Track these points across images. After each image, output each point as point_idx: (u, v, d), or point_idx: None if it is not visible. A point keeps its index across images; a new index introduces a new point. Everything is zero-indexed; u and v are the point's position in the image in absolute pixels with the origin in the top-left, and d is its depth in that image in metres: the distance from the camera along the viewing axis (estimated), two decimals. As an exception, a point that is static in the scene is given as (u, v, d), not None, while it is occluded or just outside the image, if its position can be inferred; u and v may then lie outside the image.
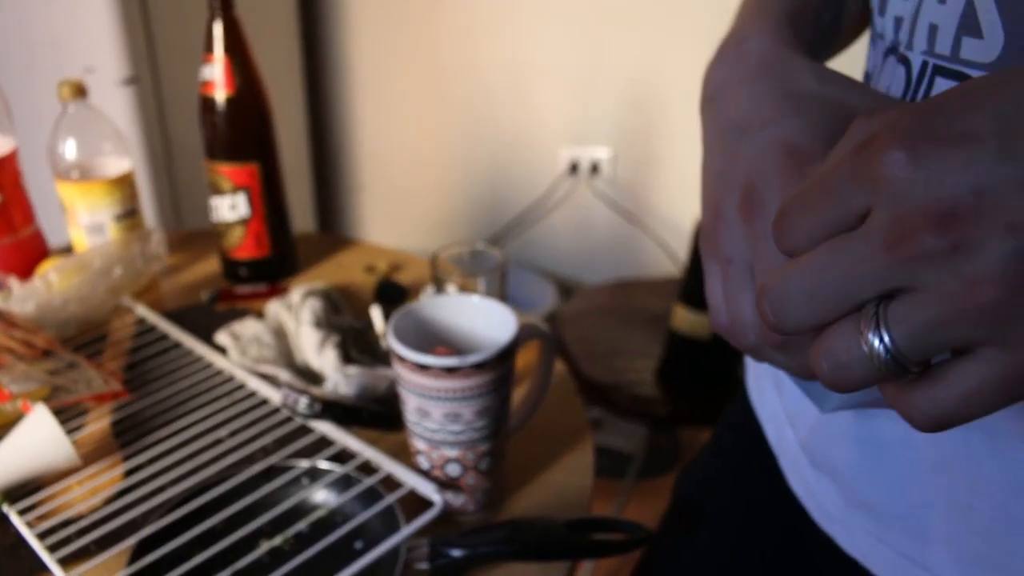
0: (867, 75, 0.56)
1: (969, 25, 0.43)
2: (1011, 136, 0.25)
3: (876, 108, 0.30)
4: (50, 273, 0.90)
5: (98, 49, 1.63)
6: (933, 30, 0.45)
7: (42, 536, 0.63)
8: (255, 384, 0.80)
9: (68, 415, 0.77)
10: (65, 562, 0.60)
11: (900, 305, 0.27)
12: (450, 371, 0.60)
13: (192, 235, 1.19)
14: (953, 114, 0.27)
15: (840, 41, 0.59)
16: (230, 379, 0.82)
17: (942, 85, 0.45)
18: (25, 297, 0.88)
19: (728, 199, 0.41)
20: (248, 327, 0.89)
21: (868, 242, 0.27)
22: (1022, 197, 0.25)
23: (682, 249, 2.06)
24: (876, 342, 0.28)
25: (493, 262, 0.81)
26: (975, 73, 0.43)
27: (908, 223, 0.26)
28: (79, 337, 0.90)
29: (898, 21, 0.50)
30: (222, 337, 0.88)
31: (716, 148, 0.45)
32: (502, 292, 0.80)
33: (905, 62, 0.48)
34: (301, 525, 0.65)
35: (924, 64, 0.46)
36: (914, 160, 0.26)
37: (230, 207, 1.00)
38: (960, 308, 0.26)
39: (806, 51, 0.49)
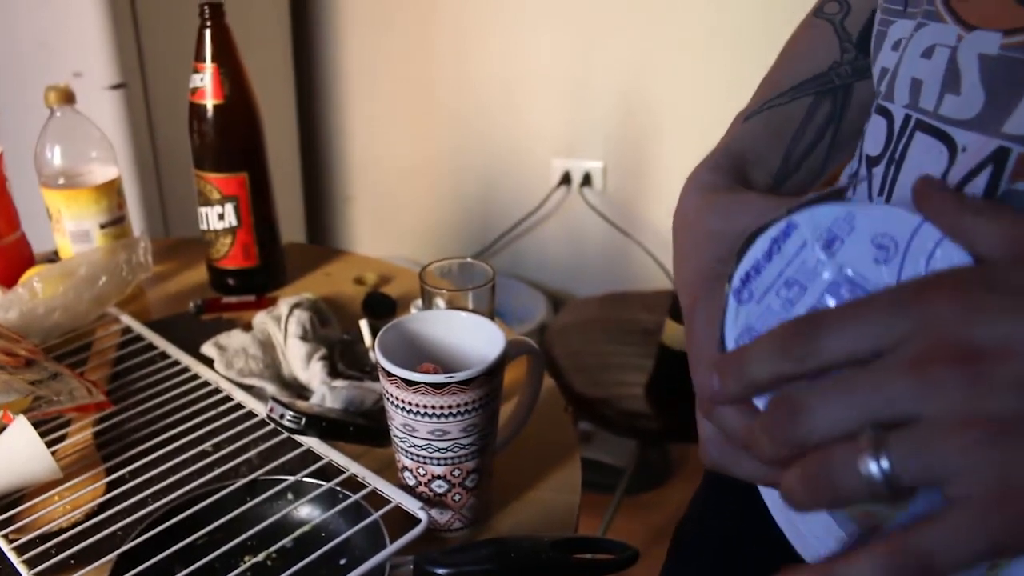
0: None
1: (952, 83, 0.44)
2: None
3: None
4: (34, 281, 0.89)
5: (87, 54, 1.62)
6: (917, 84, 0.47)
7: (21, 550, 0.62)
8: (241, 396, 0.79)
9: (50, 426, 0.76)
10: (43, 577, 0.60)
11: (901, 432, 0.29)
12: (437, 388, 0.59)
13: (179, 244, 1.19)
14: (1008, 271, 0.30)
15: (848, 129, 0.60)
16: (216, 391, 0.81)
17: (922, 140, 0.46)
18: (8, 305, 0.87)
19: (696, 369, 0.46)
20: (235, 338, 0.88)
21: (895, 362, 0.29)
22: None
23: (672, 262, 2.05)
24: (874, 466, 0.29)
25: (482, 276, 0.80)
26: (953, 130, 0.44)
27: (936, 351, 0.28)
28: (63, 346, 0.89)
29: (883, 72, 0.51)
30: (208, 348, 0.87)
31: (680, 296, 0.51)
32: (491, 307, 0.80)
33: (886, 114, 0.50)
34: (285, 540, 0.64)
35: (907, 118, 0.47)
36: (963, 305, 0.29)
37: (218, 216, 0.99)
38: (953, 441, 0.28)
39: (750, 178, 0.56)
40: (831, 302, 0.36)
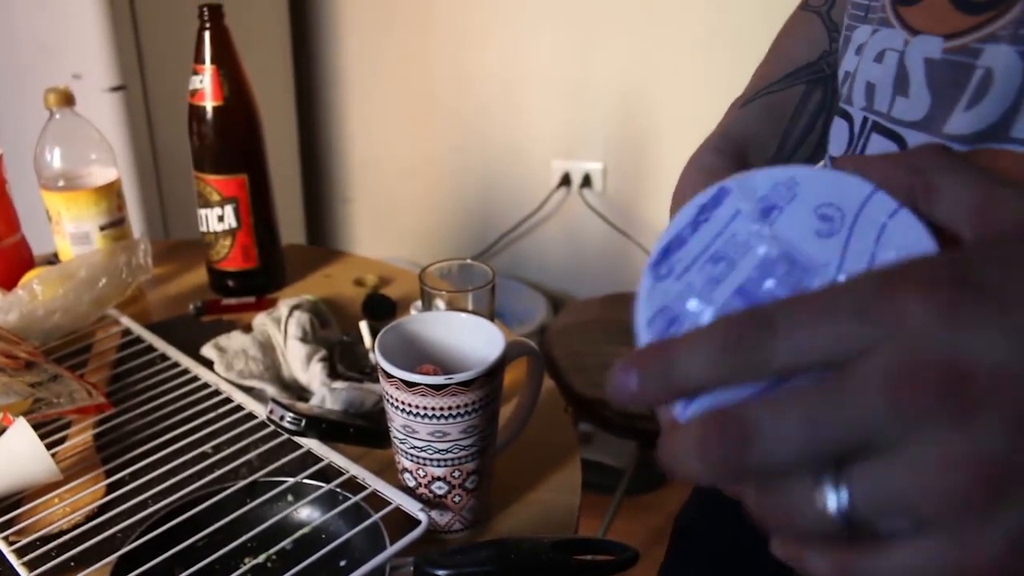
0: None
1: (902, 86, 0.46)
2: None
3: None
4: (34, 283, 0.89)
5: (86, 56, 1.62)
6: (871, 88, 0.49)
7: (21, 552, 0.62)
8: (241, 398, 0.79)
9: (50, 428, 0.76)
10: (43, 579, 0.60)
11: (866, 464, 0.24)
12: (437, 389, 0.59)
13: (179, 245, 1.19)
14: (989, 264, 0.25)
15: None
16: (216, 393, 0.81)
17: (877, 142, 0.48)
18: (8, 307, 0.87)
19: None
20: (234, 340, 0.88)
21: (866, 380, 0.24)
22: None
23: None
24: (832, 499, 0.25)
25: (482, 277, 0.80)
26: (904, 131, 0.46)
27: (915, 372, 0.23)
28: (63, 348, 0.89)
29: (846, 76, 0.54)
30: (208, 350, 0.87)
31: None
32: (491, 308, 0.80)
33: (847, 117, 0.52)
34: (285, 542, 0.64)
35: (864, 120, 0.50)
36: (941, 310, 0.24)
37: (218, 218, 0.99)
38: (928, 482, 0.23)
39: (750, 162, 0.57)
40: (766, 283, 0.30)
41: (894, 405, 0.23)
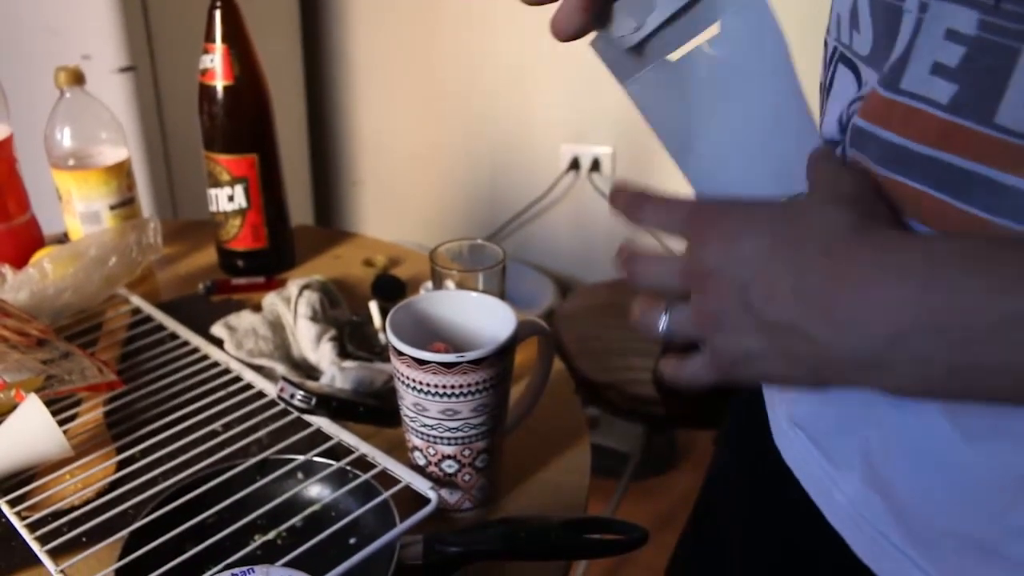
0: None
1: (855, 19, 0.48)
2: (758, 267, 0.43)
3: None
4: (44, 261, 0.90)
5: (96, 36, 1.62)
6: (838, 19, 0.51)
7: (33, 527, 0.62)
8: (251, 377, 0.79)
9: (62, 405, 0.76)
10: (56, 553, 0.60)
11: (677, 305, 0.47)
12: (448, 367, 0.59)
13: (189, 225, 1.19)
14: (737, 223, 0.45)
15: None
16: (226, 371, 0.81)
17: (841, 71, 0.50)
18: (19, 285, 0.87)
19: None
20: (244, 319, 0.88)
21: (675, 267, 0.47)
22: (733, 287, 0.43)
23: (682, 247, 2.05)
24: (662, 320, 0.47)
25: (492, 258, 0.80)
26: (859, 64, 0.48)
27: (689, 266, 0.46)
28: (73, 326, 0.89)
29: (831, 7, 0.54)
30: (218, 329, 0.87)
31: None
32: (501, 288, 0.80)
33: (825, 46, 0.54)
34: (295, 520, 0.64)
35: (834, 50, 0.52)
36: (703, 243, 0.46)
37: (228, 198, 0.99)
38: (690, 319, 0.46)
39: None
40: None
41: (682, 284, 0.46)
